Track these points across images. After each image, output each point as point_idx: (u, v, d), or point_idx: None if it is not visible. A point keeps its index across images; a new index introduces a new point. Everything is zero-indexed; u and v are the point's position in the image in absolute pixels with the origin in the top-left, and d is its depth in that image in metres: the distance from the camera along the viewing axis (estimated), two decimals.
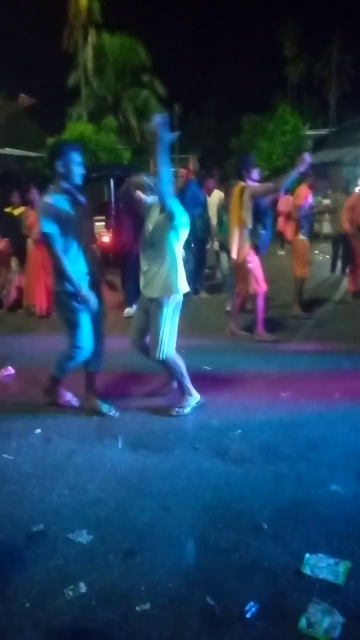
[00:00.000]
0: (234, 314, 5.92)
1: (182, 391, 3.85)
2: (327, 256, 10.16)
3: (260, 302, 5.57)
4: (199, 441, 3.38)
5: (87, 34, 25.89)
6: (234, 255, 5.52)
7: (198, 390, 3.88)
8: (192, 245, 6.73)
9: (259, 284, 5.50)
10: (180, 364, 3.77)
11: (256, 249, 5.43)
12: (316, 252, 10.40)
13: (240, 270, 5.56)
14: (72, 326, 3.59)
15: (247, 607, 2.05)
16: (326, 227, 10.01)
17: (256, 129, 24.64)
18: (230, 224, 5.57)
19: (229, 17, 65.56)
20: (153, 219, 3.56)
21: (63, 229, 3.40)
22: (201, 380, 4.16)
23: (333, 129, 26.53)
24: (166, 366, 3.80)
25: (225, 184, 8.70)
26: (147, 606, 2.08)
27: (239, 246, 5.40)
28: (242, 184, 5.36)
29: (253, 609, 2.05)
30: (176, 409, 3.80)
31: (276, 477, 2.96)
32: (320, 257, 10.84)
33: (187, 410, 3.80)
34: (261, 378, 4.48)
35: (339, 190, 9.51)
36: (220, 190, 8.38)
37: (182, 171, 7.18)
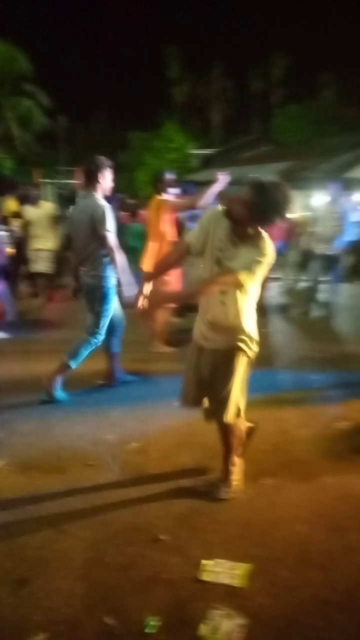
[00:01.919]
0: (157, 331, 5.65)
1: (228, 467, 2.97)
2: None
3: (164, 317, 5.57)
4: (93, 458, 3.28)
5: None
6: (145, 267, 5.44)
7: (93, 404, 3.77)
8: None
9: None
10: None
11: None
12: None
13: (157, 283, 5.46)
14: (101, 316, 4.17)
15: (146, 622, 2.00)
16: None
17: (143, 145, 25.09)
18: (149, 238, 5.51)
19: (118, 34, 66.53)
20: None
21: None
22: (95, 393, 4.06)
23: (219, 149, 27.74)
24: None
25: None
26: (40, 637, 1.95)
27: (155, 259, 5.37)
28: (158, 197, 5.38)
29: (152, 623, 2.00)
30: (222, 490, 2.90)
31: (172, 487, 2.94)
32: None
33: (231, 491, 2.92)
34: (156, 388, 4.48)
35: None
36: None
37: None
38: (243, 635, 1.94)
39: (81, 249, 4.20)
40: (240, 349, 2.73)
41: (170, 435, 3.59)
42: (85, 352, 4.21)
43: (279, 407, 4.07)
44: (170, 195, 5.46)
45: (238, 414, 2.86)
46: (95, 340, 4.22)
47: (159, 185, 5.46)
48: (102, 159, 4.26)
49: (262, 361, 5.07)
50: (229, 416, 2.79)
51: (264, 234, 2.61)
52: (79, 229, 4.19)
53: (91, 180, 4.20)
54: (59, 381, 4.17)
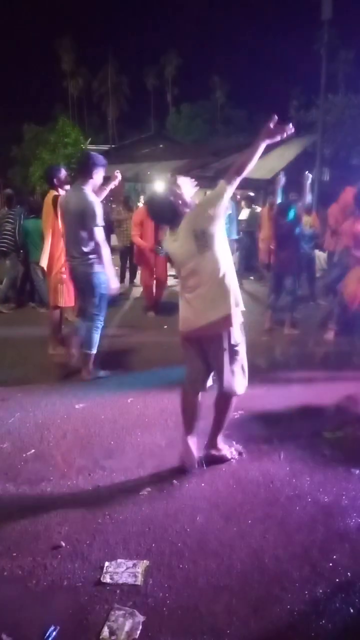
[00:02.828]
0: (53, 331, 5.47)
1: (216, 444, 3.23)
2: (116, 267, 10.47)
3: (57, 316, 5.44)
4: None
5: None
6: (43, 264, 5.34)
7: None
8: None
9: (70, 297, 5.33)
10: None
11: None
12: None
13: (52, 280, 5.35)
14: (102, 301, 4.50)
15: (47, 634, 1.96)
16: (114, 240, 10.32)
17: (37, 139, 24.25)
18: (44, 233, 5.35)
19: (9, 22, 63.19)
20: None
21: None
22: None
23: (113, 145, 27.58)
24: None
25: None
26: None
27: (53, 255, 5.22)
28: (54, 192, 5.22)
29: (53, 633, 1.97)
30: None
31: (72, 491, 2.91)
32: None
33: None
34: (54, 392, 4.38)
35: (121, 204, 9.89)
36: None
37: None
38: (143, 633, 1.98)
39: (73, 239, 4.45)
40: (227, 326, 2.88)
41: (68, 439, 3.54)
42: (97, 336, 4.54)
43: (175, 399, 4.16)
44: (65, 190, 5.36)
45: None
46: (99, 322, 4.54)
47: (53, 181, 5.34)
48: (100, 157, 4.59)
49: (158, 359, 5.20)
50: (238, 387, 3.04)
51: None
52: (71, 221, 4.48)
53: (85, 175, 4.46)
54: (94, 368, 4.63)
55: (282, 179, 6.44)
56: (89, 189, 4.44)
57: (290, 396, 4.41)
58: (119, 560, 2.35)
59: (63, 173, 5.44)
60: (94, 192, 4.57)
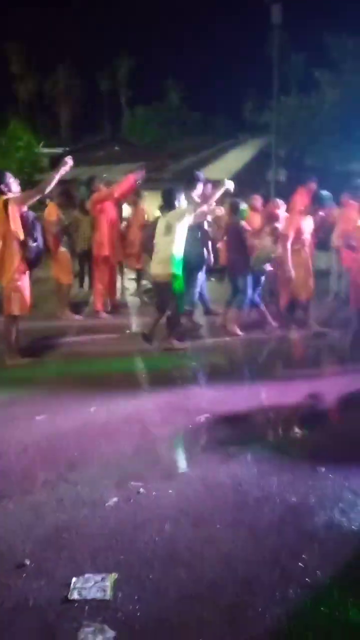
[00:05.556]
0: (8, 341, 5.28)
1: None
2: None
3: (11, 326, 5.27)
4: None
5: None
6: None
7: None
8: None
9: (24, 305, 5.17)
10: None
11: (29, 263, 5.16)
12: None
13: (6, 288, 5.15)
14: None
15: None
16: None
17: None
18: None
19: None
20: None
21: None
22: None
23: (67, 148, 27.24)
24: None
25: None
26: None
27: (3, 261, 5.04)
28: (3, 197, 5.06)
29: None
30: None
31: (35, 507, 2.81)
32: None
33: None
34: (14, 404, 4.25)
35: (77, 208, 9.73)
36: None
37: None
38: None
39: None
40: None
41: (30, 452, 3.43)
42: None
43: (140, 406, 4.13)
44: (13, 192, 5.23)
45: None
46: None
47: (2, 187, 5.17)
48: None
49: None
50: None
51: None
52: None
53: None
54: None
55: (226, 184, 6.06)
56: None
57: (254, 397, 4.43)
58: (86, 575, 2.28)
59: (10, 179, 5.26)
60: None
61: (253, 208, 7.62)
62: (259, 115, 21.65)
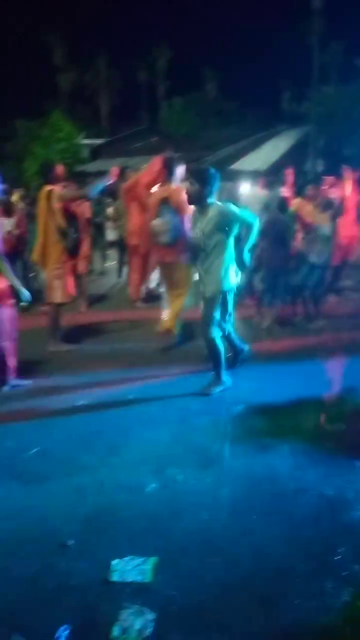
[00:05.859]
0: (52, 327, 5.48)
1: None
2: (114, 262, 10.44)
3: (54, 314, 5.43)
4: None
5: None
6: (37, 258, 5.35)
7: None
8: None
9: (67, 293, 5.33)
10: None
11: (70, 252, 5.31)
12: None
13: (48, 276, 5.35)
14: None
15: (57, 634, 1.97)
16: (111, 235, 10.30)
17: (30, 134, 24.05)
18: (38, 229, 5.32)
19: None
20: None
21: None
22: None
23: (107, 139, 27.45)
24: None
25: None
26: None
27: (46, 250, 5.22)
28: (48, 188, 5.19)
29: (64, 633, 1.98)
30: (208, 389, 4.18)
31: (78, 489, 2.91)
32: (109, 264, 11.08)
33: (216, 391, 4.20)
34: (55, 390, 4.38)
35: (118, 199, 9.81)
36: None
37: None
38: (154, 631, 1.99)
39: None
40: None
41: (73, 437, 3.54)
42: None
43: (178, 394, 4.18)
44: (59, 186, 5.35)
45: None
46: None
47: (49, 176, 5.32)
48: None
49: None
50: None
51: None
52: None
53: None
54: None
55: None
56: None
57: (290, 389, 4.41)
58: (126, 558, 2.35)
59: (58, 168, 5.42)
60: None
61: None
62: (297, 105, 21.29)
